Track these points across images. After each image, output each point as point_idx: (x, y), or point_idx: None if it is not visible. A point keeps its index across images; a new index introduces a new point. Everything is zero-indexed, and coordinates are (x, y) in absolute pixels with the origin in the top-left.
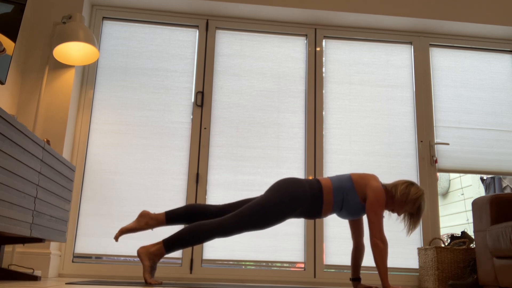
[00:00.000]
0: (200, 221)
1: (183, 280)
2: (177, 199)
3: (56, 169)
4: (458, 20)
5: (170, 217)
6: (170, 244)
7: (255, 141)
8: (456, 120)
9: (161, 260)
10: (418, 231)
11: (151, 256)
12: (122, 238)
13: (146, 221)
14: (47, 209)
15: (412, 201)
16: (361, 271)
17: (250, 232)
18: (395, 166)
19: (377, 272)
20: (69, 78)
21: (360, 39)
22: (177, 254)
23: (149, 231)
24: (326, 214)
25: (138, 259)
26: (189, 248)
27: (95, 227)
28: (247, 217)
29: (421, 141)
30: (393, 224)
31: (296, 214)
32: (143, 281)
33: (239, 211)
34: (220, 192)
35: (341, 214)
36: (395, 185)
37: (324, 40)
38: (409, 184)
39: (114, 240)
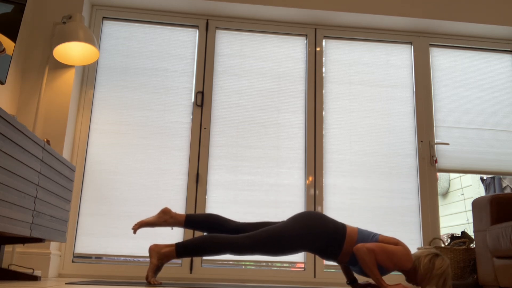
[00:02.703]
0: (216, 233)
1: (183, 280)
2: (177, 199)
3: (56, 169)
4: (458, 20)
5: (189, 221)
6: (182, 249)
7: (255, 141)
8: (456, 120)
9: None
10: (418, 231)
11: (161, 256)
12: (123, 237)
13: (165, 219)
14: (47, 209)
15: (437, 276)
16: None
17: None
18: (395, 166)
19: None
20: (69, 78)
21: (360, 39)
22: None
23: (153, 232)
24: (341, 263)
25: (136, 259)
26: None
27: (95, 227)
28: (262, 241)
29: (421, 141)
30: (393, 223)
31: (312, 250)
32: (143, 281)
33: (256, 233)
34: (220, 192)
35: (355, 269)
36: (418, 257)
37: (324, 40)
38: (433, 256)
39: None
